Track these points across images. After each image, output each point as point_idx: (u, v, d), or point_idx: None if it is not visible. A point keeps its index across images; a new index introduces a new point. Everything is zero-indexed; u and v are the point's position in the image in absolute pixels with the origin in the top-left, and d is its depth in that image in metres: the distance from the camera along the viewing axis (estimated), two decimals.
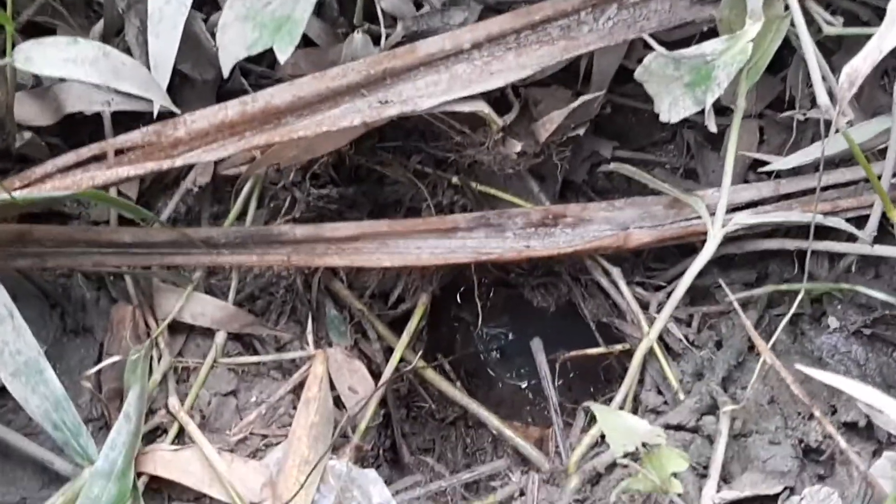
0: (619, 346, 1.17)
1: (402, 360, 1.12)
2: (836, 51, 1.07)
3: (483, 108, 0.99)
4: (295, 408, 1.01)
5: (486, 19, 1.01)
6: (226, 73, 0.86)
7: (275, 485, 0.93)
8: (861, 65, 0.83)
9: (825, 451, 0.97)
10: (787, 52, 0.99)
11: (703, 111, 0.93)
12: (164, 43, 0.98)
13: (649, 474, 0.86)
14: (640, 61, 1.01)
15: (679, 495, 0.87)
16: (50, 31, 1.09)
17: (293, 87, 0.95)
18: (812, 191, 1.04)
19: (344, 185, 1.16)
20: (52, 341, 1.01)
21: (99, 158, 0.94)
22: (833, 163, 1.07)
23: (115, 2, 1.04)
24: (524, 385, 1.35)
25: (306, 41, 1.14)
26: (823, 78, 0.92)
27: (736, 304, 1.03)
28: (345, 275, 1.17)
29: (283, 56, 0.85)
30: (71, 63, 0.89)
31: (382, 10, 1.07)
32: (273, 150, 1.02)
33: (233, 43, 0.87)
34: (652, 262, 1.20)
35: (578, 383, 1.32)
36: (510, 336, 1.38)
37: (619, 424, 0.88)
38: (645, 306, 1.12)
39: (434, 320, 1.29)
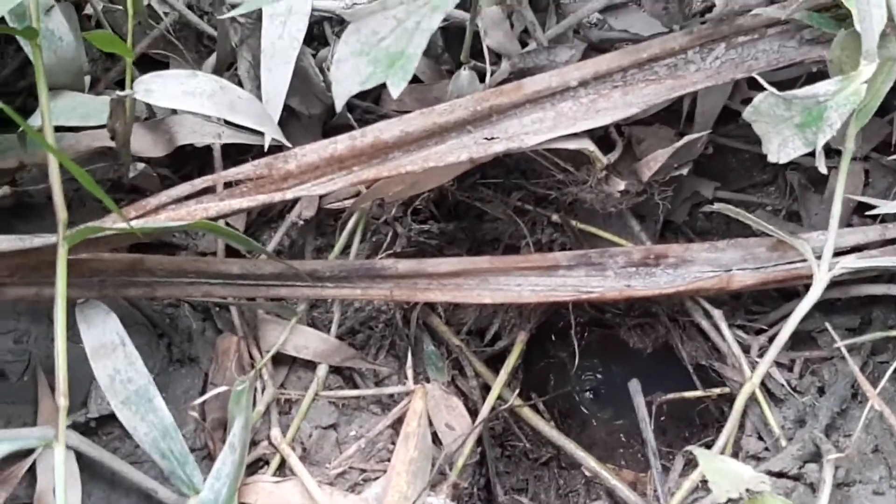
0: (716, 390, 1.15)
1: (498, 397, 1.12)
2: None
3: (588, 145, 0.99)
4: (393, 443, 1.01)
5: (590, 58, 1.01)
6: (339, 108, 0.87)
7: None
8: None
9: None
10: (894, 95, 0.97)
11: (810, 153, 0.93)
12: (277, 77, 1.00)
13: None
14: (743, 102, 1.01)
15: None
16: (163, 64, 1.13)
17: (402, 122, 0.96)
18: None
19: (444, 221, 1.17)
20: (159, 370, 1.02)
21: (210, 190, 0.96)
22: None
23: (229, 36, 1.06)
24: (616, 425, 1.33)
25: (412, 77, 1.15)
26: None
27: (843, 349, 1.01)
28: (442, 311, 1.17)
29: (395, 91, 0.86)
30: (189, 96, 0.91)
31: (488, 48, 1.08)
32: (378, 184, 1.03)
33: (347, 78, 0.88)
34: (752, 306, 1.18)
35: (672, 427, 1.30)
36: (605, 377, 1.37)
37: (722, 469, 0.87)
38: (746, 350, 1.10)
39: (529, 359, 1.29)
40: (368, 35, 0.88)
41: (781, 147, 0.94)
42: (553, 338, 1.29)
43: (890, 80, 0.94)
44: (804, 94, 0.90)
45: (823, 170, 0.94)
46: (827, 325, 1.06)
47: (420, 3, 0.87)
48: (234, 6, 1.03)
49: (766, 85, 0.92)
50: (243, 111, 0.93)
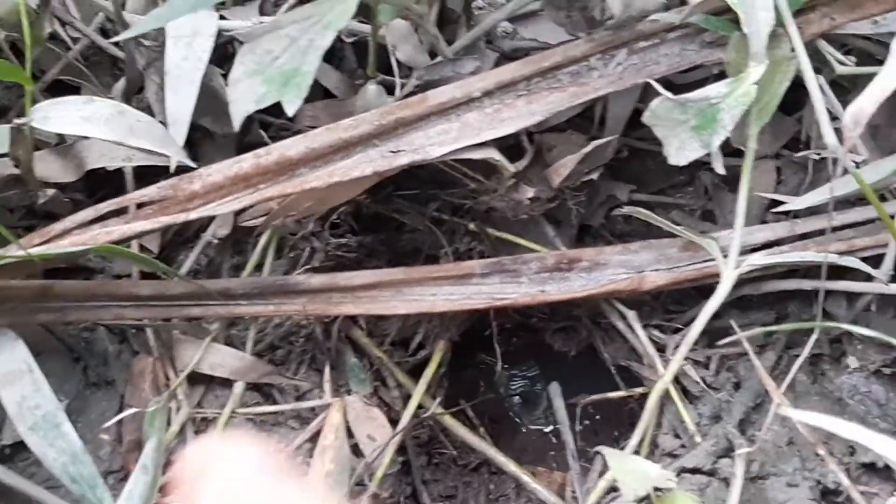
0: (639, 390, 1.17)
1: (421, 406, 1.13)
2: (851, 90, 1.07)
3: (494, 154, 1.00)
4: (313, 456, 1.02)
5: (502, 67, 1.03)
6: (236, 127, 0.88)
7: None
8: (866, 105, 0.83)
9: (843, 492, 0.96)
10: (804, 92, 0.99)
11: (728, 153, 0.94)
12: (182, 99, 1.00)
13: None
14: None
15: None
16: (75, 89, 1.13)
17: (306, 138, 0.97)
18: (830, 230, 1.03)
19: (362, 234, 1.18)
20: (75, 394, 1.03)
21: (118, 213, 0.96)
22: (849, 201, 1.06)
23: (136, 60, 1.07)
24: (548, 430, 1.34)
25: (325, 93, 1.16)
26: (836, 118, 0.92)
27: (747, 346, 1.02)
28: (364, 323, 1.17)
29: (290, 109, 0.86)
30: (87, 122, 0.91)
31: (398, 61, 1.09)
32: (289, 201, 1.03)
33: (243, 97, 0.88)
34: (671, 305, 1.19)
35: (604, 427, 1.31)
36: (533, 380, 1.38)
37: (630, 469, 0.88)
38: (662, 349, 1.11)
39: (457, 366, 1.29)
40: (262, 54, 0.89)
41: (680, 150, 0.95)
42: (481, 345, 1.29)
43: (787, 80, 0.95)
44: (697, 97, 0.92)
45: (721, 170, 0.96)
46: (732, 322, 1.08)
47: (313, 21, 0.88)
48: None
49: (660, 89, 0.94)
50: (143, 135, 0.94)
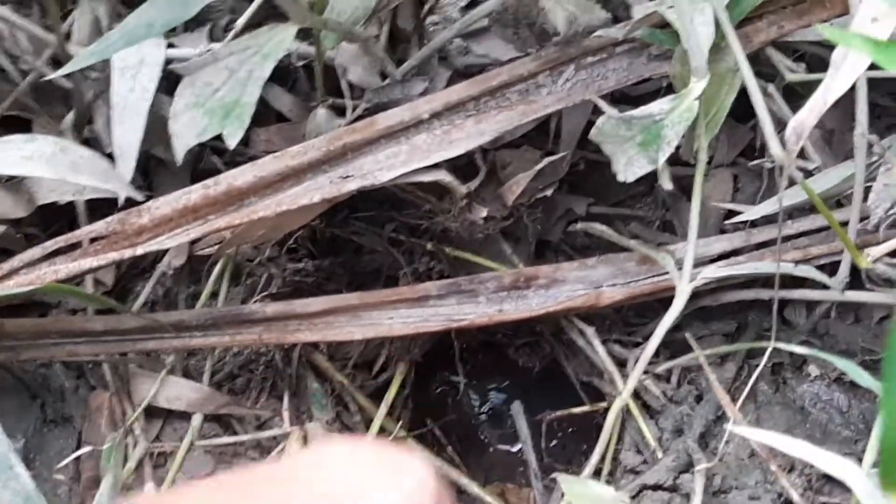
0: (602, 404, 1.17)
1: (384, 430, 1.12)
2: (805, 95, 1.06)
3: (444, 176, 0.99)
4: None
5: (452, 85, 1.02)
6: (179, 159, 0.88)
7: None
8: (807, 118, 0.83)
9: None
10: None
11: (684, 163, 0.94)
12: (129, 130, 0.99)
13: None
14: None
15: None
16: (26, 122, 1.12)
17: (255, 167, 0.97)
18: (785, 239, 1.03)
19: (320, 258, 1.17)
20: (33, 432, 1.02)
21: (69, 249, 0.96)
22: (805, 209, 1.06)
23: (83, 92, 1.06)
24: (515, 448, 1.34)
25: (279, 117, 1.16)
26: (782, 125, 0.92)
27: (703, 360, 1.02)
28: (326, 347, 1.17)
29: (231, 141, 0.86)
30: (28, 161, 0.90)
31: (349, 83, 1.08)
32: (240, 230, 1.03)
33: (185, 130, 0.88)
34: (633, 318, 1.19)
35: (571, 442, 1.31)
36: (499, 398, 1.38)
37: (584, 493, 0.88)
38: (623, 363, 1.11)
39: (422, 386, 1.29)
40: (202, 87, 0.89)
41: (628, 166, 0.95)
42: (446, 363, 1.29)
43: (733, 92, 0.95)
44: (641, 113, 0.92)
45: (668, 186, 0.96)
46: (689, 335, 1.08)
47: (251, 52, 0.88)
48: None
49: (604, 107, 0.94)
50: (86, 170, 0.93)
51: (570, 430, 1.31)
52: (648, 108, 0.91)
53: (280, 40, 0.87)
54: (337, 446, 0.40)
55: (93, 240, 0.97)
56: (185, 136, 0.88)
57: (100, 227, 0.95)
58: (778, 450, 0.98)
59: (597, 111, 1.12)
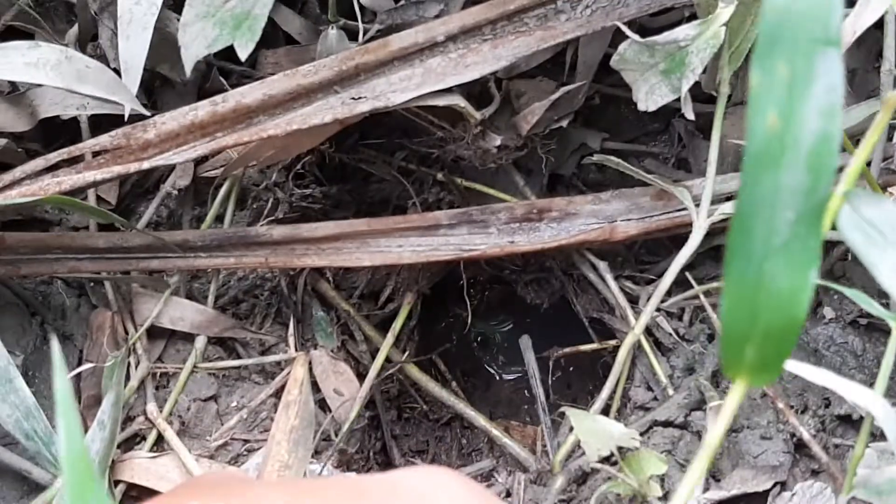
0: (612, 342, 1.15)
1: (389, 360, 1.10)
2: None
3: (458, 101, 0.97)
4: (277, 411, 1.00)
5: (468, 8, 0.99)
6: (188, 72, 0.85)
7: None
8: None
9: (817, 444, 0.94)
10: None
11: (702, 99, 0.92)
12: (135, 45, 0.96)
13: (627, 478, 0.84)
14: None
15: (660, 498, 0.85)
16: (29, 36, 1.09)
17: (264, 85, 0.94)
18: None
19: (328, 185, 1.15)
20: (33, 349, 1.00)
21: (71, 163, 0.93)
22: None
23: (88, 5, 1.03)
24: (522, 383, 1.33)
25: (287, 39, 1.13)
26: None
27: (702, 297, 1.01)
28: (332, 276, 1.15)
29: (243, 53, 0.84)
30: (32, 68, 0.88)
31: (360, 5, 1.05)
32: (248, 149, 1.01)
33: (194, 41, 0.86)
34: (645, 256, 1.17)
35: (577, 380, 1.29)
36: (506, 333, 1.36)
37: (593, 428, 0.86)
38: (634, 300, 1.09)
39: (429, 319, 1.28)
40: None
41: (649, 95, 0.93)
42: (453, 297, 1.27)
43: (759, 21, 0.92)
44: (665, 39, 0.89)
45: (690, 115, 0.93)
46: (687, 275, 1.06)
47: None
48: None
49: (628, 32, 0.91)
50: (92, 81, 0.91)
51: (575, 369, 1.30)
52: (673, 33, 0.88)
53: None
54: (416, 473, 0.38)
55: (95, 154, 0.94)
56: (194, 47, 0.86)
57: (104, 140, 0.93)
58: (791, 390, 0.97)
59: (614, 44, 1.10)
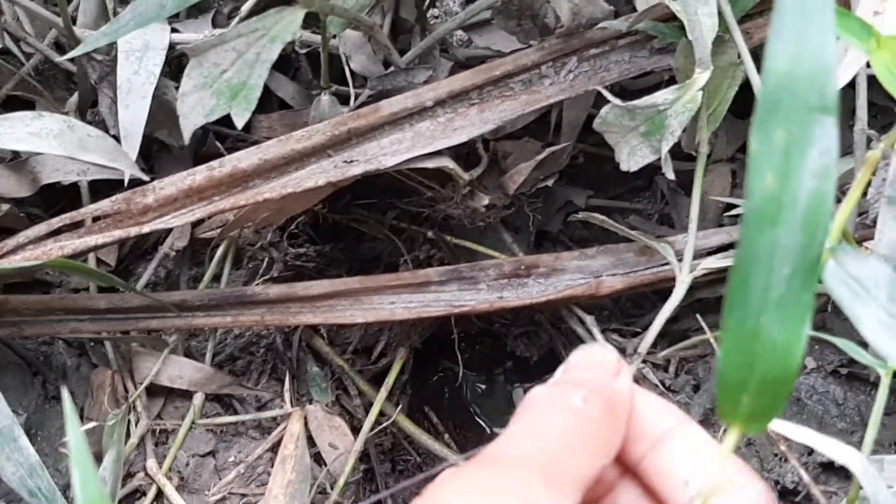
0: None
1: (382, 413, 1.13)
2: None
3: (447, 163, 1.00)
4: (273, 466, 1.02)
5: (453, 75, 1.03)
6: (186, 140, 0.89)
7: None
8: None
9: (801, 492, 0.97)
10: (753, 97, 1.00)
11: (687, 157, 0.95)
12: (134, 113, 1.00)
13: None
14: None
15: None
16: (30, 104, 1.13)
17: (259, 150, 0.97)
18: None
19: (322, 244, 1.18)
20: (34, 409, 1.03)
21: (73, 227, 0.96)
22: None
23: (88, 74, 1.07)
24: None
25: (281, 104, 1.17)
26: None
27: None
28: (326, 332, 1.18)
29: (239, 121, 0.87)
30: (35, 137, 0.92)
31: (352, 72, 1.09)
32: (244, 212, 1.04)
33: (192, 111, 0.89)
34: (631, 309, 1.20)
35: None
36: (497, 387, 1.38)
37: None
38: (622, 352, 1.12)
39: (420, 373, 1.30)
40: (210, 68, 0.90)
41: (631, 156, 0.96)
42: (444, 351, 1.30)
43: (735, 84, 0.96)
44: (644, 103, 0.93)
45: (671, 175, 0.97)
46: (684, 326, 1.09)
47: (259, 34, 0.89)
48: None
49: (608, 96, 0.95)
50: (94, 149, 0.94)
51: None
52: (652, 97, 0.92)
53: (288, 23, 0.88)
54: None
55: (95, 219, 0.97)
56: (192, 116, 0.89)
57: (105, 205, 0.96)
58: (774, 438, 0.99)
59: (597, 105, 1.13)
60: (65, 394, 0.32)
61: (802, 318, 0.37)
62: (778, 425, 0.85)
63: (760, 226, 0.36)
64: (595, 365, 0.44)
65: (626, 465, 0.42)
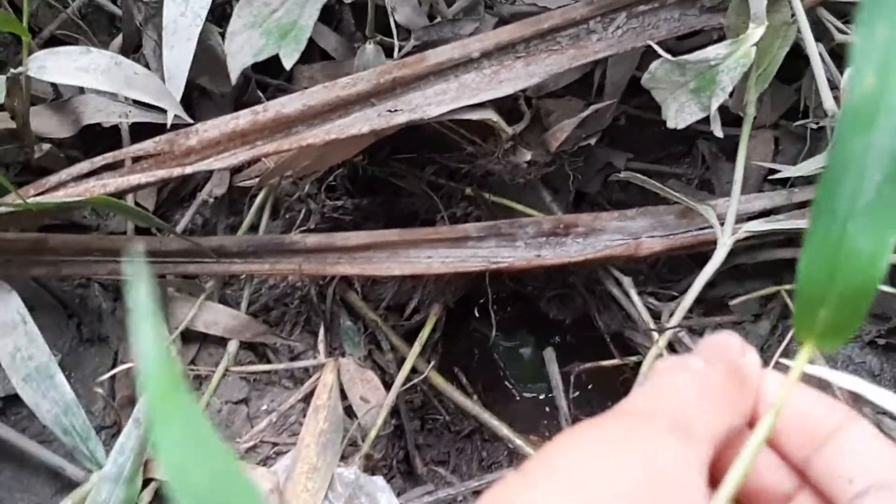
0: (633, 358, 1.17)
1: (414, 370, 1.12)
2: None
3: (491, 116, 0.99)
4: (305, 416, 1.02)
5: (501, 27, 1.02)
6: (233, 79, 0.88)
7: (283, 491, 0.93)
8: None
9: None
10: (803, 63, 0.99)
11: (711, 118, 0.94)
12: (179, 54, 0.99)
13: None
14: None
15: None
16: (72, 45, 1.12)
17: (304, 96, 0.96)
18: None
19: (359, 197, 1.17)
20: (69, 350, 1.02)
21: (113, 167, 0.96)
22: None
23: (133, 16, 1.06)
24: (541, 398, 1.34)
25: (323, 55, 1.16)
26: (833, 86, 0.92)
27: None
28: (360, 286, 1.17)
29: (288, 62, 0.86)
30: (83, 72, 0.91)
31: (396, 23, 1.08)
32: (285, 159, 1.03)
33: (240, 50, 0.88)
34: (667, 274, 1.19)
35: (597, 396, 1.31)
36: (527, 349, 1.38)
37: None
38: (657, 316, 1.11)
39: (451, 334, 1.29)
40: (261, 7, 0.89)
41: (679, 113, 0.95)
42: (476, 313, 1.29)
43: (787, 45, 0.95)
44: (696, 58, 0.91)
45: (719, 133, 0.95)
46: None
47: None
48: None
49: (659, 51, 0.93)
50: (140, 87, 0.93)
51: (595, 386, 1.32)
52: (704, 52, 0.91)
53: None
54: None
55: (136, 160, 0.97)
56: (240, 55, 0.88)
57: (148, 146, 0.95)
58: None
59: (641, 66, 1.12)
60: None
61: (891, 226, 0.35)
62: (825, 372, 0.84)
63: (856, 128, 0.35)
64: (719, 344, 0.43)
65: (797, 469, 0.41)
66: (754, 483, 0.40)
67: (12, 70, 0.90)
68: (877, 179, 0.35)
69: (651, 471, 0.34)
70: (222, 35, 1.08)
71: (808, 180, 1.06)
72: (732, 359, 0.42)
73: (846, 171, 0.35)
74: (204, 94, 1.12)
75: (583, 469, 0.34)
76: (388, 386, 1.10)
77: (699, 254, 1.07)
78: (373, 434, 1.04)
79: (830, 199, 0.36)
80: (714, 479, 0.37)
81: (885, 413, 0.91)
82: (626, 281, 1.11)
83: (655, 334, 1.07)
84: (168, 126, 0.97)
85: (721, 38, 0.98)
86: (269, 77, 1.14)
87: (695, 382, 0.40)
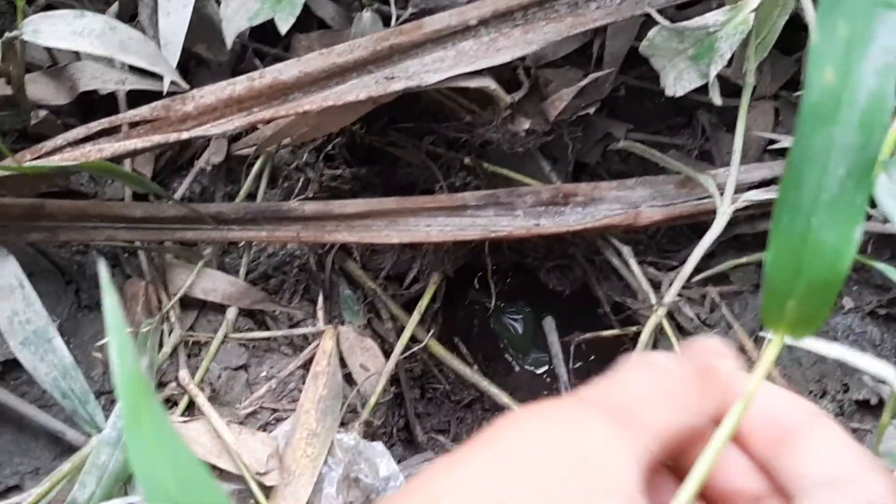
0: (633, 328, 1.16)
1: (414, 339, 1.12)
2: None
3: (489, 83, 0.99)
4: (305, 383, 1.02)
5: None
6: (229, 44, 0.88)
7: (282, 456, 0.94)
8: None
9: None
10: (802, 34, 0.98)
11: (709, 85, 0.94)
12: (175, 21, 0.99)
13: None
14: None
15: None
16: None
17: (300, 63, 0.96)
18: None
19: (357, 166, 1.17)
20: (67, 316, 1.03)
21: (109, 133, 0.96)
22: None
23: None
24: (541, 370, 1.34)
25: (321, 24, 1.16)
26: None
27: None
28: (359, 255, 1.17)
29: (283, 26, 0.86)
30: (78, 36, 0.91)
31: None
32: (282, 127, 1.03)
33: (236, 14, 0.88)
34: (667, 244, 1.19)
35: (596, 367, 1.31)
36: (527, 320, 1.38)
37: None
38: (657, 286, 1.11)
39: (451, 304, 1.30)
40: None
41: (677, 80, 0.95)
42: (476, 284, 1.29)
43: (786, 13, 0.94)
44: (695, 24, 0.91)
45: (717, 101, 0.95)
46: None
47: None
48: None
49: (658, 17, 0.93)
50: (135, 51, 0.93)
51: (595, 357, 1.32)
52: (703, 18, 0.90)
53: None
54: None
55: (133, 125, 0.97)
56: (236, 19, 0.88)
57: (144, 111, 0.95)
58: (810, 375, 0.98)
59: (640, 36, 1.12)
60: (101, 266, 0.32)
61: (854, 221, 0.36)
62: (812, 343, 0.84)
63: (816, 123, 0.35)
64: (699, 346, 0.43)
65: (766, 471, 0.41)
66: (725, 485, 0.40)
67: (7, 34, 0.90)
68: (840, 174, 0.35)
69: (578, 453, 0.35)
70: (219, 3, 1.08)
71: None
72: (706, 359, 0.42)
73: (809, 165, 0.36)
74: (201, 63, 1.12)
75: (514, 449, 0.35)
76: (387, 355, 1.10)
77: (699, 224, 1.07)
78: (372, 401, 1.04)
79: (794, 193, 0.36)
80: (682, 479, 0.37)
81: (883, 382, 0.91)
82: (626, 251, 1.11)
83: (655, 302, 1.07)
84: (164, 92, 0.97)
85: (720, 7, 0.98)
86: (266, 46, 1.13)
87: (652, 377, 0.40)
